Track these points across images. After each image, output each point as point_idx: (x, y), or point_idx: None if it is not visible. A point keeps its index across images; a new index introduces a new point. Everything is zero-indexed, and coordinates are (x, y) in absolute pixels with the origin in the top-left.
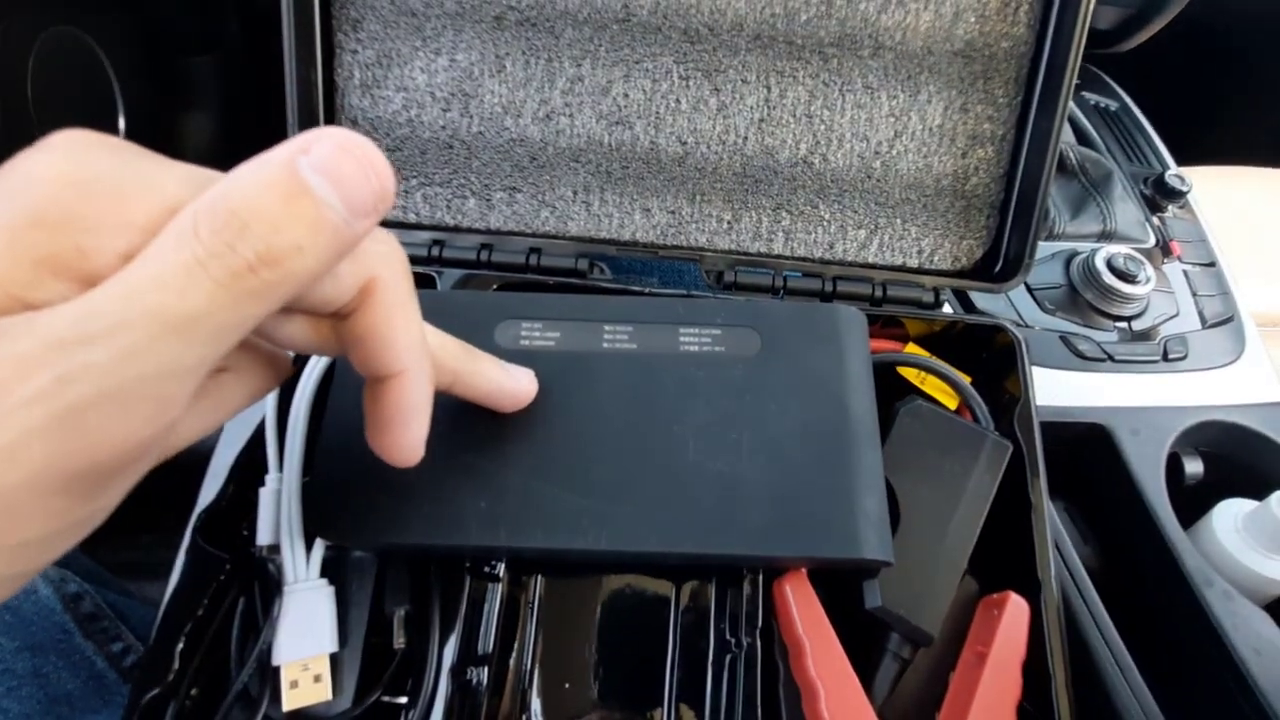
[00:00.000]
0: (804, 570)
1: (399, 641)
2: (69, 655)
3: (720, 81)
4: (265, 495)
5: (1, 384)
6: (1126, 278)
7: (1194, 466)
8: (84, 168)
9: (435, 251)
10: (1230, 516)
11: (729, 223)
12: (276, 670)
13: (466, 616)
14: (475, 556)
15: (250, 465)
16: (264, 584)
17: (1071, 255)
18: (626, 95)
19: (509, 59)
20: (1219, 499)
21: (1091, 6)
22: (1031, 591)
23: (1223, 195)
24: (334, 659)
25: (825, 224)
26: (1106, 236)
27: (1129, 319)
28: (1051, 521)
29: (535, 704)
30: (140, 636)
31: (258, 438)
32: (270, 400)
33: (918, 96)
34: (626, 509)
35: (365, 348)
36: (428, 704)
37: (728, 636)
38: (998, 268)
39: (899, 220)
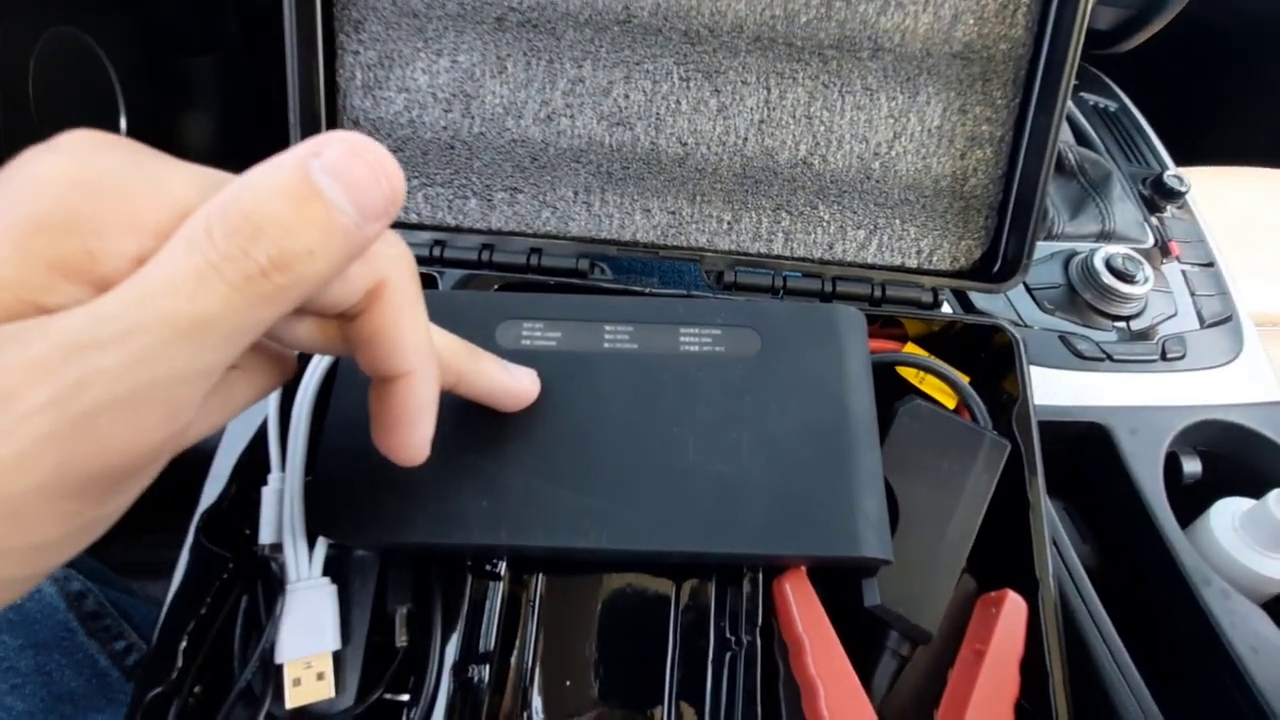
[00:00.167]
0: (804, 569)
1: (401, 640)
2: (72, 653)
3: (720, 83)
4: (268, 494)
5: (15, 389)
6: (1125, 278)
7: (1192, 465)
8: (90, 168)
9: (437, 252)
10: (1228, 515)
11: (729, 223)
12: (279, 668)
13: (468, 615)
14: (477, 555)
15: (253, 465)
16: (267, 583)
17: (1070, 255)
18: (627, 96)
19: (510, 60)
20: (1217, 498)
21: (1089, 9)
22: (1029, 590)
23: (1221, 195)
24: (336, 657)
25: (825, 224)
26: (1105, 237)
27: (1127, 319)
28: (1050, 520)
29: (536, 702)
30: (143, 635)
31: (260, 437)
32: (272, 400)
33: (916, 98)
34: (627, 508)
35: (373, 349)
36: (430, 702)
37: (728, 635)
38: (996, 268)
39: (898, 221)
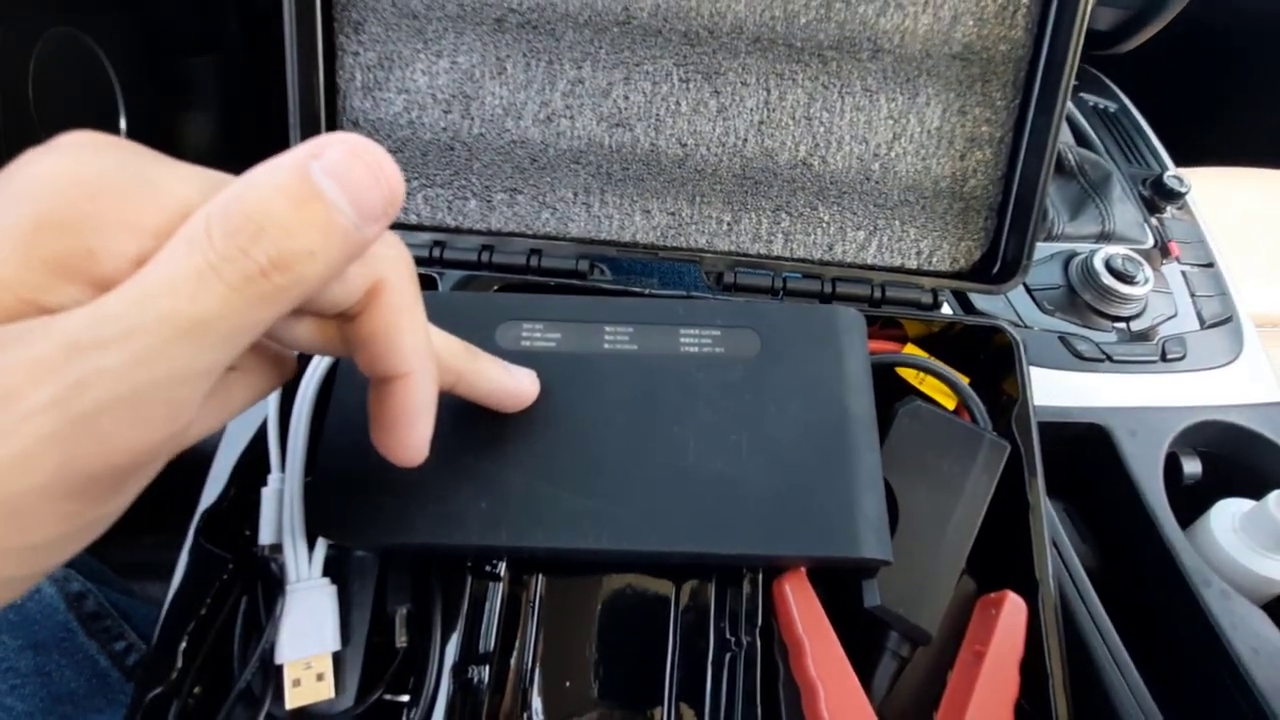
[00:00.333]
0: (803, 569)
1: (401, 640)
2: (72, 654)
3: (720, 84)
4: (267, 495)
5: (17, 389)
6: (1125, 278)
7: (1192, 466)
8: (90, 168)
9: (436, 253)
10: (1228, 516)
11: (729, 224)
12: (279, 669)
13: (468, 615)
14: (477, 556)
15: (252, 465)
16: (266, 583)
17: (1070, 256)
18: (627, 97)
19: (510, 61)
20: (1217, 499)
21: (1089, 10)
22: (1029, 591)
23: (1221, 196)
24: (336, 658)
25: (824, 226)
26: (1105, 237)
27: (1127, 319)
28: (1050, 521)
29: (536, 702)
30: (143, 636)
31: (260, 438)
32: (272, 400)
33: (916, 99)
34: (627, 509)
35: (372, 349)
36: (429, 702)
37: (728, 635)
38: (996, 269)
39: (898, 222)
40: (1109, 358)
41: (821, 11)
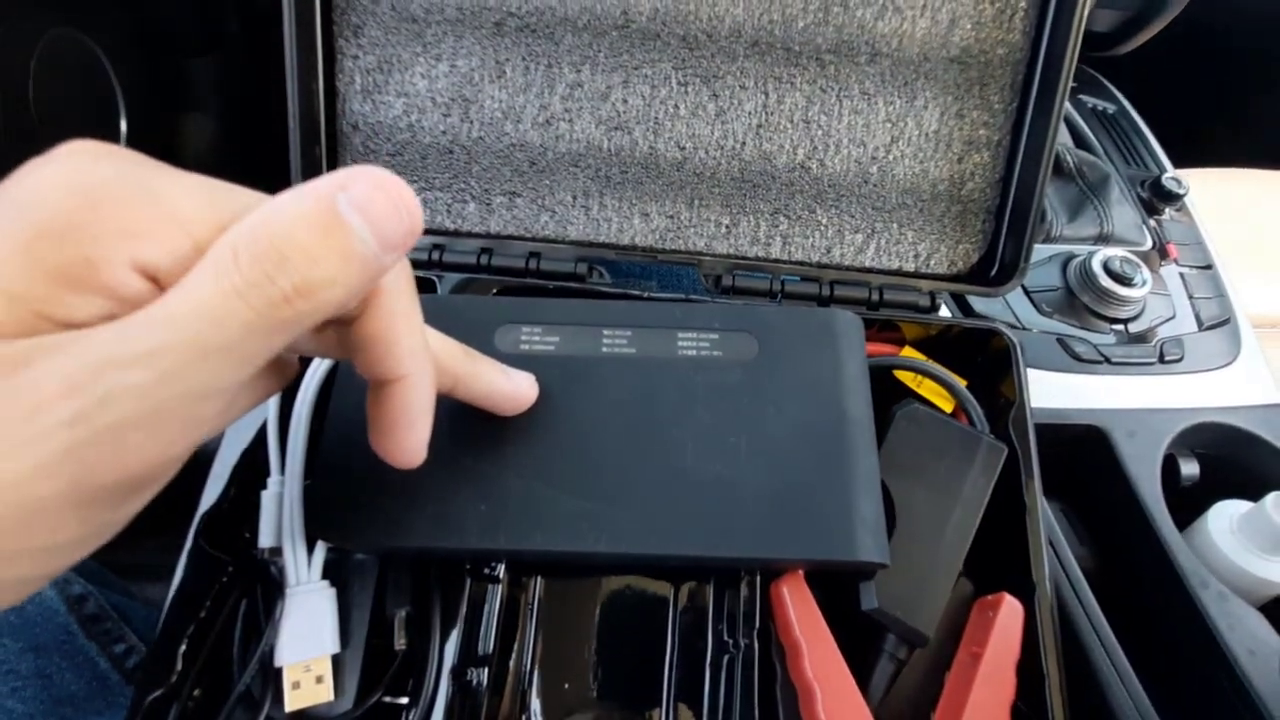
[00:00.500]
0: (801, 572)
1: (400, 643)
2: (72, 656)
3: (718, 87)
4: (267, 498)
5: (44, 402)
6: (1123, 280)
7: (1190, 468)
8: (89, 177)
9: (435, 256)
10: (1225, 518)
11: (727, 227)
12: (279, 671)
13: (467, 618)
14: (475, 559)
15: (252, 468)
16: (266, 586)
17: (1068, 258)
18: (625, 101)
19: (509, 65)
20: (1214, 500)
21: (1086, 13)
22: (1026, 593)
23: (1219, 198)
24: (336, 660)
25: (823, 229)
26: (1103, 239)
27: (1125, 321)
28: (1047, 523)
29: (535, 704)
30: (143, 638)
31: (259, 440)
32: (272, 403)
33: (914, 102)
34: (625, 512)
35: (369, 352)
36: (428, 704)
37: (725, 638)
38: (993, 271)
39: (896, 225)
40: (1107, 360)
41: (819, 15)
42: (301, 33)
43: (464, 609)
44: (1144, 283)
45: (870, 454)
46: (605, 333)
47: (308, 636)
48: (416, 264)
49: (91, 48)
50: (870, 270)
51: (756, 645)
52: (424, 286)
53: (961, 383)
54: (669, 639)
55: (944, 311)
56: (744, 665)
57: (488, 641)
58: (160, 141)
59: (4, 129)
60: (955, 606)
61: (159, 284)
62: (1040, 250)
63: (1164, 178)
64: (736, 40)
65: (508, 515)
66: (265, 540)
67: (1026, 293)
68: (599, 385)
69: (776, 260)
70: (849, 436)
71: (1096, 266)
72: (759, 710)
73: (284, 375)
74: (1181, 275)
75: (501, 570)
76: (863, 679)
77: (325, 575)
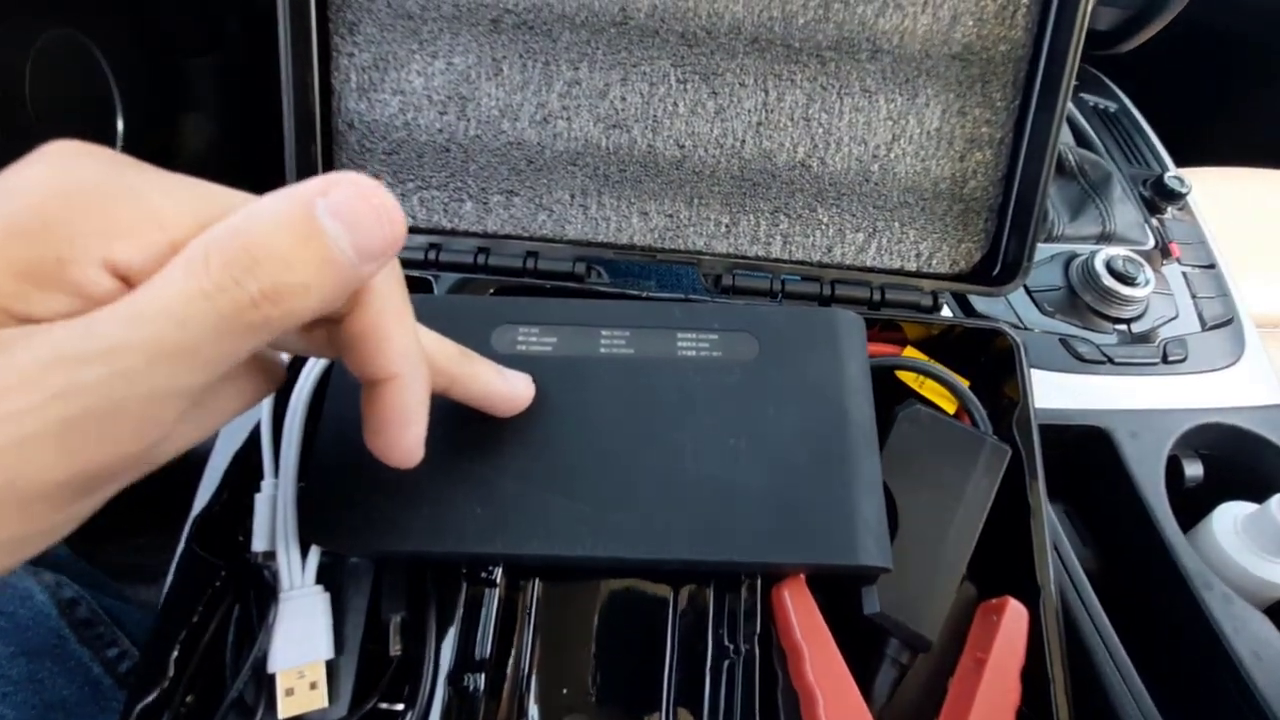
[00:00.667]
0: (802, 576)
1: (395, 648)
2: (64, 661)
3: (718, 85)
4: (261, 501)
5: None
6: (1126, 280)
7: (1194, 469)
8: (70, 177)
9: (432, 255)
10: (1230, 519)
11: (727, 226)
12: (272, 677)
13: (463, 622)
14: (472, 562)
15: (245, 470)
16: (259, 590)
17: (1071, 257)
18: (624, 98)
19: (506, 62)
20: (1219, 501)
21: (1089, 10)
22: (1030, 596)
23: (1222, 196)
24: (330, 666)
25: (823, 227)
26: (1106, 238)
27: (1128, 321)
28: (1051, 524)
29: (532, 709)
30: (136, 642)
31: (253, 442)
32: (266, 405)
33: (916, 100)
34: (624, 515)
35: (359, 351)
36: (425, 710)
37: (726, 642)
38: (996, 271)
39: (897, 224)
40: (1110, 360)
41: (820, 12)
42: (296, 30)
43: (460, 613)
44: (1147, 282)
45: (872, 456)
46: (603, 333)
47: (301, 642)
48: (412, 263)
49: (89, 47)
50: (872, 270)
51: (757, 650)
52: (420, 286)
53: (964, 383)
54: (668, 643)
55: (946, 311)
56: (745, 670)
57: (485, 646)
58: (158, 141)
59: (1, 129)
60: (958, 610)
61: (131, 284)
62: (1042, 249)
63: (1166, 176)
64: (736, 37)
65: (504, 519)
66: (259, 544)
67: (1028, 292)
68: (597, 386)
69: (777, 259)
70: (850, 438)
71: (1099, 266)
72: (760, 716)
73: (271, 380)
74: (1184, 274)
75: (498, 574)
76: (865, 684)
77: (319, 579)
